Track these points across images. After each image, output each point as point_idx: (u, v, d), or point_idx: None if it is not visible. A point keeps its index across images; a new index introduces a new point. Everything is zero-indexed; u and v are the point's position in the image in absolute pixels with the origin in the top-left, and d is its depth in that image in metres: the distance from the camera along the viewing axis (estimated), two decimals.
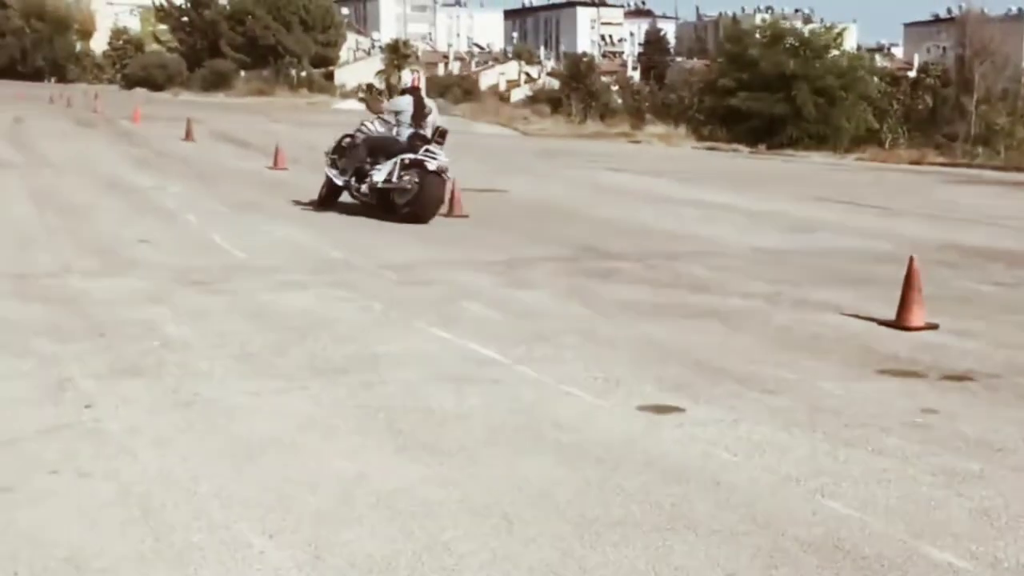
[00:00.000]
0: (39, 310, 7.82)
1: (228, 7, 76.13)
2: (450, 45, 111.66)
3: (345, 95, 64.01)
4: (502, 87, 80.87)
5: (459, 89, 75.51)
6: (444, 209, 13.54)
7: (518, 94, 71.87)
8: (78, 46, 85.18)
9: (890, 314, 7.95)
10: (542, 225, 13.22)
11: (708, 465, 4.88)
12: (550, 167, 22.44)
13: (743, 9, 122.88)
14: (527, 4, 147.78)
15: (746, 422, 5.54)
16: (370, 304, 8.31)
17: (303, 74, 67.81)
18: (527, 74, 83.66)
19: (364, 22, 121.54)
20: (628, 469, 4.80)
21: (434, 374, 6.33)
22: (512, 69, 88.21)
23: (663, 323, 7.91)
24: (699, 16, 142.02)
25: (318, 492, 4.45)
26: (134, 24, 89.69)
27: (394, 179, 13.13)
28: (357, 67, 74.55)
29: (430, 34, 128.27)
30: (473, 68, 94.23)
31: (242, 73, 68.23)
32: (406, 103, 13.88)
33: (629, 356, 6.89)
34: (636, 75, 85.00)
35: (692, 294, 9.07)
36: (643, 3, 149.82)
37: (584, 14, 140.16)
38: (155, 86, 69.79)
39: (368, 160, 13.51)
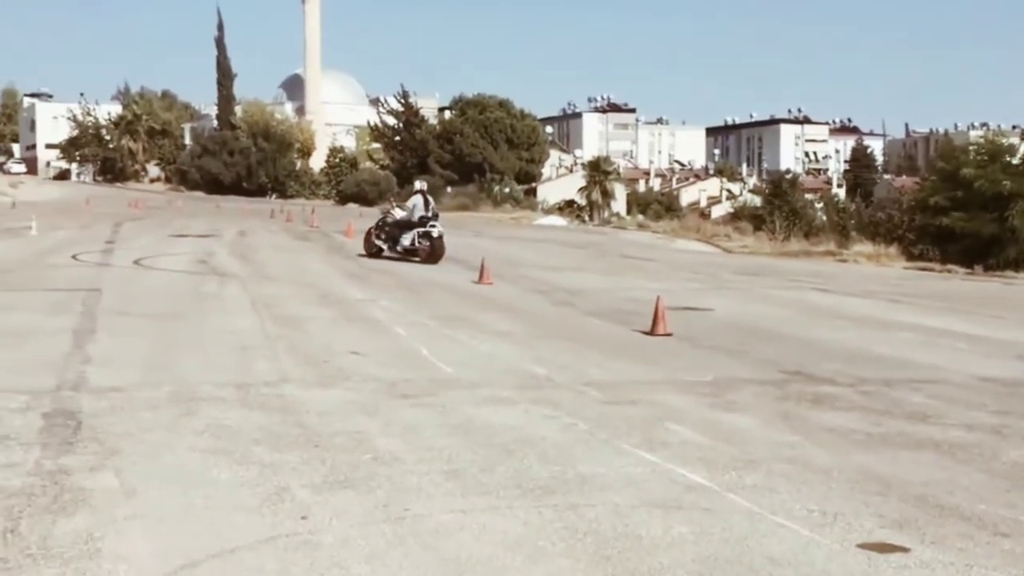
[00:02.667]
0: (259, 418, 8.15)
1: (438, 126, 79.40)
2: (651, 162, 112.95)
3: (547, 211, 65.21)
4: (703, 203, 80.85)
5: (660, 205, 75.93)
6: (647, 327, 13.57)
7: (719, 210, 71.62)
8: (298, 164, 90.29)
9: None
10: (747, 345, 12.95)
11: None
12: (754, 285, 22.10)
13: (956, 125, 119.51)
14: (729, 121, 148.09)
15: (979, 567, 5.17)
16: (575, 423, 8.28)
17: (507, 190, 69.52)
18: (728, 191, 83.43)
19: (567, 140, 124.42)
20: None
21: (641, 499, 6.21)
22: (713, 185, 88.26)
23: (880, 453, 7.55)
24: (908, 132, 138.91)
25: None
26: (350, 143, 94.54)
27: (416, 243, 24.40)
28: (559, 183, 76.03)
29: (632, 151, 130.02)
30: (674, 184, 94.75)
31: (448, 189, 70.55)
32: (418, 199, 25.04)
33: (845, 488, 6.58)
34: (841, 192, 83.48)
35: (910, 423, 8.63)
36: (849, 120, 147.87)
37: (788, 131, 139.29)
38: (367, 201, 73.00)
39: (396, 233, 24.66)
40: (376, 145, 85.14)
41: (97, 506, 5.85)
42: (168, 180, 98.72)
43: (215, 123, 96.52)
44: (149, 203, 60.53)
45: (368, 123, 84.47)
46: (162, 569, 4.92)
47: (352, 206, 71.10)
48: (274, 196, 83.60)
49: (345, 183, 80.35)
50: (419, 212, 24.75)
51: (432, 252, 24.13)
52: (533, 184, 76.22)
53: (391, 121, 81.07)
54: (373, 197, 74.66)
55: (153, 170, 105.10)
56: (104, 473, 6.52)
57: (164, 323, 13.59)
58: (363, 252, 25.60)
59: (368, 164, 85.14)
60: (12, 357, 10.75)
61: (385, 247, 24.97)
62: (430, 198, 25.31)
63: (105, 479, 6.39)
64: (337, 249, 29.04)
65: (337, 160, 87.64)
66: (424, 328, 13.75)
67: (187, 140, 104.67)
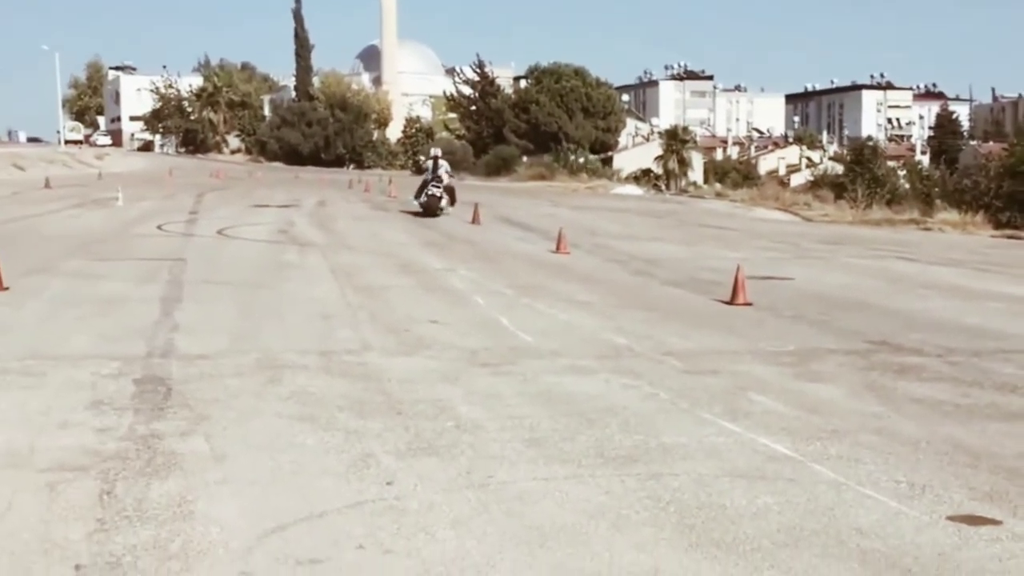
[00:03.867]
0: (342, 385, 8.26)
1: (514, 96, 79.19)
2: (729, 130, 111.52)
3: (624, 180, 64.82)
4: (782, 172, 79.67)
5: (737, 173, 75.00)
6: (726, 296, 13.48)
7: (798, 179, 70.51)
8: (375, 134, 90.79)
9: None
10: (830, 315, 12.77)
11: None
12: (835, 254, 21.75)
13: None
14: (809, 88, 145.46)
15: None
16: (656, 392, 8.26)
17: (583, 159, 69.20)
18: (808, 159, 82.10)
19: (643, 108, 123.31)
20: None
21: (725, 468, 6.17)
22: (792, 153, 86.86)
23: (969, 425, 7.40)
24: (995, 97, 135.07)
25: None
26: (426, 113, 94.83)
27: (422, 198, 29.65)
28: (636, 152, 75.38)
29: (709, 119, 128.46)
30: (752, 153, 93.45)
31: (524, 158, 70.43)
32: (430, 164, 30.80)
33: (934, 459, 6.47)
34: (925, 159, 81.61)
35: (1001, 394, 8.45)
36: (934, 85, 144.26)
37: (870, 97, 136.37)
38: (452, 172, 73.33)
39: (419, 191, 30.20)
40: (452, 115, 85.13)
41: (189, 470, 5.99)
42: (248, 151, 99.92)
43: (293, 94, 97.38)
44: (230, 174, 61.37)
45: (444, 93, 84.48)
46: (253, 532, 5.02)
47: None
48: (351, 166, 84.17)
49: (421, 153, 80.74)
50: (429, 174, 30.50)
51: (425, 205, 29.45)
52: (609, 153, 75.71)
53: (467, 91, 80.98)
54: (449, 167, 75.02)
55: (234, 141, 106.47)
56: (194, 438, 6.67)
57: (247, 292, 13.82)
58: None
59: (444, 134, 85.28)
60: (104, 324, 11.02)
61: (416, 199, 30.48)
62: (441, 162, 30.58)
63: (196, 444, 6.54)
64: (416, 218, 29.21)
65: (413, 130, 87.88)
66: (503, 297, 13.79)
67: (266, 111, 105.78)
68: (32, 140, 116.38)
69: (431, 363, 9.26)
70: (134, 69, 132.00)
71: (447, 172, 30.71)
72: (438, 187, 29.74)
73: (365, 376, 8.65)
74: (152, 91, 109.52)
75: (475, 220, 26.87)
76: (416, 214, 29.39)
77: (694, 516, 5.33)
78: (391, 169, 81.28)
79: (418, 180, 33.27)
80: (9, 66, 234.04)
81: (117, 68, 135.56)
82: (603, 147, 75.53)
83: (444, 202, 29.71)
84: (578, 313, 12.52)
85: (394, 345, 10.18)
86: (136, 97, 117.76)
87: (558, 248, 20.02)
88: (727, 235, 26.72)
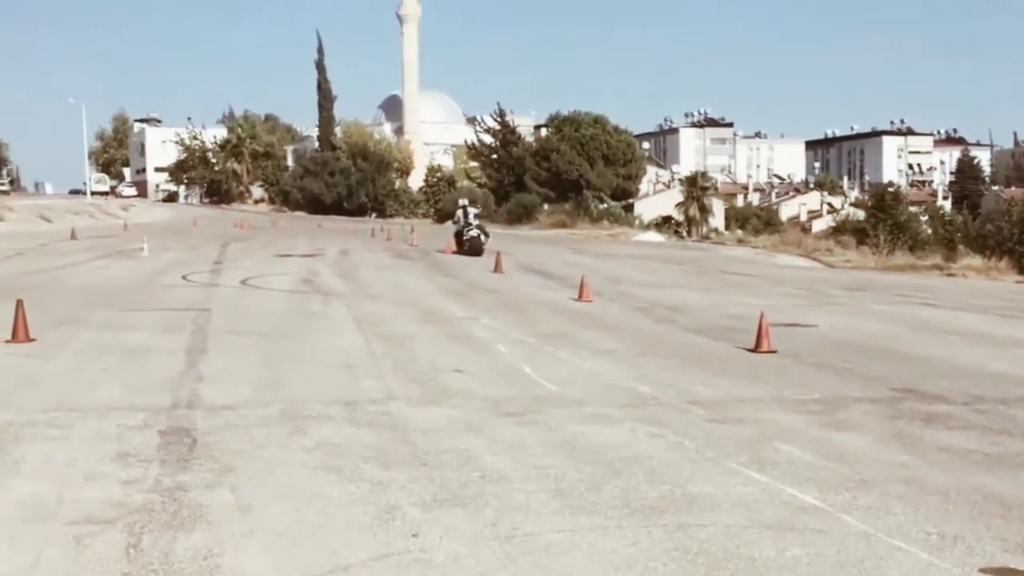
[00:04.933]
0: (367, 436, 8.26)
1: (534, 144, 79.65)
2: (749, 176, 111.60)
3: (644, 227, 64.89)
4: (803, 218, 79.62)
5: (759, 220, 74.94)
6: (750, 344, 13.44)
7: (820, 225, 70.43)
8: (397, 183, 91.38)
9: None
10: (855, 362, 12.69)
11: None
12: (859, 301, 21.66)
13: None
14: (829, 134, 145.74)
15: None
16: (681, 441, 8.21)
17: (604, 206, 69.36)
18: (829, 204, 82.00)
19: (664, 155, 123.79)
20: None
21: (752, 519, 6.12)
22: (814, 199, 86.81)
23: (1000, 474, 7.32)
24: (1017, 142, 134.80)
25: None
26: (447, 162, 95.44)
27: (464, 246, 33.69)
28: (657, 199, 75.52)
29: (729, 165, 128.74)
30: (773, 199, 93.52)
31: (545, 206, 70.65)
32: (460, 213, 35.30)
33: (964, 510, 6.40)
34: (947, 205, 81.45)
35: None
36: (955, 131, 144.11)
37: (890, 143, 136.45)
38: (482, 221, 73.56)
39: (459, 237, 34.40)
40: (473, 163, 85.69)
41: (215, 522, 5.99)
42: (271, 201, 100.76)
43: (316, 144, 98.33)
44: (254, 224, 61.84)
45: (465, 142, 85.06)
46: None
47: (451, 224, 71.70)
48: (374, 215, 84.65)
49: (443, 201, 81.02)
50: (461, 223, 34.89)
51: (471, 248, 33.54)
52: (630, 200, 75.83)
53: (488, 139, 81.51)
54: None
55: (257, 191, 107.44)
56: (220, 490, 6.67)
57: (272, 342, 13.87)
58: (455, 250, 34.54)
59: (465, 182, 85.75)
60: (130, 376, 11.07)
61: (457, 248, 34.46)
62: (471, 210, 35.43)
63: (221, 495, 6.54)
64: (437, 267, 29.30)
65: (435, 179, 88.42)
66: (526, 346, 13.78)
67: (289, 161, 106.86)
68: (74, 192, 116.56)
69: (455, 412, 9.25)
70: (159, 121, 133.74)
71: (476, 215, 35.49)
72: (476, 230, 34.43)
73: (390, 426, 8.65)
74: (177, 142, 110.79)
75: (497, 268, 26.94)
76: (454, 252, 33.72)
77: (723, 568, 5.28)
78: (413, 217, 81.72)
79: (443, 229, 36.03)
80: (36, 118, 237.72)
81: (143, 120, 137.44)
82: (624, 194, 75.66)
83: (483, 238, 34.12)
84: (601, 361, 12.49)
85: (418, 395, 10.18)
86: (161, 148, 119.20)
87: (580, 296, 20.02)
88: (749, 282, 26.68)
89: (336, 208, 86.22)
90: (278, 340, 14.04)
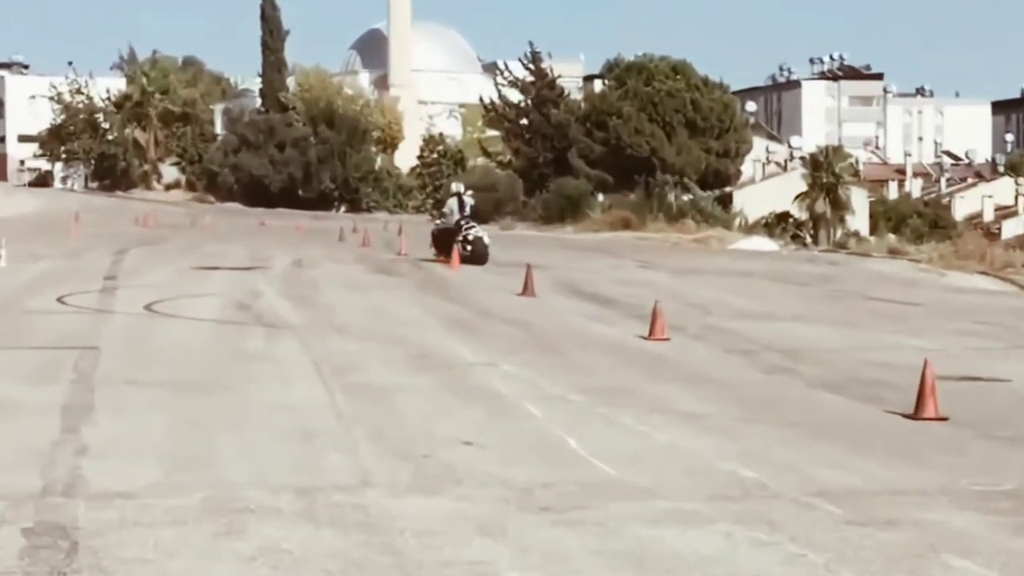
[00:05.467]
0: (331, 539, 8.28)
1: (584, 104, 79.39)
2: (907, 154, 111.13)
3: (748, 229, 64.72)
4: (988, 217, 79.28)
5: (921, 220, 74.55)
6: (908, 407, 13.39)
7: (1014, 227, 70.15)
8: (378, 161, 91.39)
9: None
10: None
11: None
12: None
13: None
14: None
15: None
16: (803, 553, 8.20)
17: (686, 197, 69.26)
18: None
19: (778, 122, 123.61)
20: None
21: None
22: (1004, 190, 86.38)
23: None
24: None
25: None
26: (454, 130, 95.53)
27: (462, 251, 34.05)
28: (766, 188, 75.23)
29: (876, 138, 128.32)
30: (943, 188, 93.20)
31: (600, 197, 70.58)
32: (454, 203, 36.18)
33: None
34: None
35: None
36: None
37: None
38: (477, 216, 73.08)
39: (447, 240, 35.06)
40: (493, 132, 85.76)
41: None
42: (191, 186, 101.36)
43: (259, 102, 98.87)
44: (164, 220, 62.19)
45: (481, 100, 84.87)
46: None
47: (436, 220, 71.61)
48: (343, 208, 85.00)
49: (446, 189, 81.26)
50: (455, 216, 35.71)
51: (473, 255, 34.24)
52: (727, 189, 75.72)
53: (515, 96, 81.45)
54: (488, 210, 74.83)
55: (170, 172, 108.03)
56: None
57: (190, 397, 13.91)
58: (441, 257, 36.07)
59: (481, 160, 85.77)
60: None
61: (442, 255, 35.54)
62: (466, 199, 36.29)
63: None
64: (435, 286, 29.38)
65: (435, 155, 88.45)
66: (569, 406, 13.77)
67: (218, 128, 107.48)
68: None
69: (463, 506, 9.25)
70: (25, 67, 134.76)
71: (472, 207, 36.94)
72: (473, 227, 35.59)
73: (365, 526, 8.66)
74: (52, 98, 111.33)
75: (526, 289, 26.94)
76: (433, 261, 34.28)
77: None
78: (401, 212, 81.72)
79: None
80: None
81: (0, 66, 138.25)
82: (718, 180, 75.42)
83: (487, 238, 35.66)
84: (683, 430, 12.47)
85: (408, 478, 10.18)
86: (28, 108, 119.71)
87: (652, 332, 19.99)
88: (907, 313, 26.58)
89: (287, 197, 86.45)
90: (199, 394, 14.09)
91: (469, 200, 36.39)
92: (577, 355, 18.20)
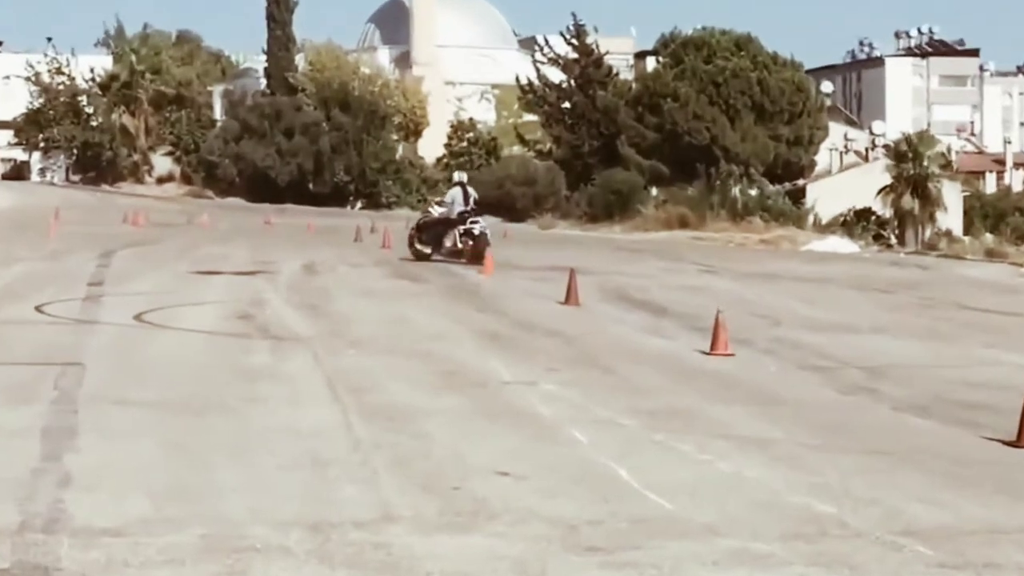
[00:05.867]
0: None
1: (635, 84, 79.32)
2: (1008, 142, 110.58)
3: (824, 228, 64.52)
4: None
5: (1023, 217, 74.02)
6: (1010, 433, 13.33)
7: None
8: (400, 150, 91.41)
9: None
10: None
11: None
12: None
13: None
14: None
15: None
16: None
17: (753, 192, 69.10)
18: None
19: (857, 106, 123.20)
20: None
21: None
22: None
23: None
24: None
25: None
26: (486, 114, 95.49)
27: (458, 243, 36.39)
28: (844, 180, 74.82)
29: (972, 124, 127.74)
30: None
31: (653, 191, 70.51)
32: (457, 193, 37.86)
33: None
34: None
35: None
36: None
37: None
38: (513, 212, 72.81)
39: (441, 231, 36.70)
40: (530, 117, 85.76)
41: None
42: (187, 179, 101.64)
43: (263, 83, 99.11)
44: (157, 217, 62.39)
45: (517, 81, 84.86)
46: None
47: (489, 219, 71.70)
48: (359, 205, 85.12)
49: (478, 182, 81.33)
50: (458, 207, 37.13)
51: (475, 250, 35.58)
52: (799, 182, 75.54)
53: (556, 76, 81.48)
54: (526, 204, 74.69)
55: (162, 162, 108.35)
56: None
57: (186, 419, 13.95)
58: (408, 256, 38.13)
59: (517, 149, 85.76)
60: None
61: (429, 250, 37.17)
62: (470, 190, 38.08)
63: None
64: (465, 294, 29.38)
65: (464, 144, 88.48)
66: (619, 431, 13.77)
67: (217, 113, 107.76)
68: None
69: (498, 545, 9.26)
70: None
71: (475, 200, 38.55)
72: (478, 222, 37.18)
73: (386, 567, 8.68)
74: (29, 79, 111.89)
75: (570, 297, 26.92)
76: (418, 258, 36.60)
77: None
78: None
79: (506, 235, 38.04)
80: None
81: None
82: (788, 172, 75.24)
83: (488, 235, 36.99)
84: (749, 459, 12.45)
85: (434, 513, 10.19)
86: (2, 89, 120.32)
87: (714, 346, 19.97)
88: (1007, 324, 26.46)
89: (296, 192, 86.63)
90: (196, 416, 14.12)
91: (473, 192, 38.30)
92: (628, 372, 18.19)
